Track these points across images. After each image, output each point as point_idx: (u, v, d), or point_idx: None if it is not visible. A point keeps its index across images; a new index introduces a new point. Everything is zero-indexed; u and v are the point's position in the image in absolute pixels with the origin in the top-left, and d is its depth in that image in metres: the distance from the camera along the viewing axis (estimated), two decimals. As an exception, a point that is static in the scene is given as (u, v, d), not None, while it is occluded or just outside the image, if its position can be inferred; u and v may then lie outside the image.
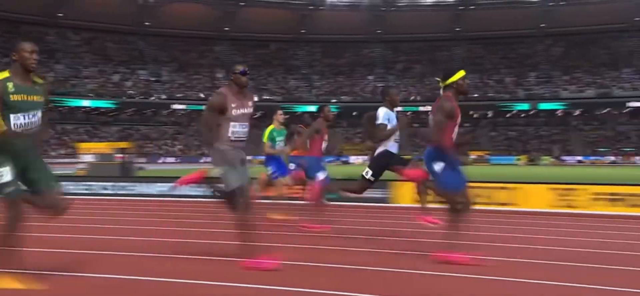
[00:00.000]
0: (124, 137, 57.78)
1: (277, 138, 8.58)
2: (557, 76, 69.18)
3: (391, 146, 6.26)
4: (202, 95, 66.96)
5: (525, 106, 66.12)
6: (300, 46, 77.14)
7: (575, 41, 72.00)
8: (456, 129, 5.04)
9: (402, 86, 71.74)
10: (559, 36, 72.78)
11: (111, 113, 63.29)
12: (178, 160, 55.04)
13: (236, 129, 4.86)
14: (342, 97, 69.07)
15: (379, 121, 6.21)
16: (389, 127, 6.22)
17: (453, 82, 5.04)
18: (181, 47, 71.77)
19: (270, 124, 8.66)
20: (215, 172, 4.86)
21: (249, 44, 75.18)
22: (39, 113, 4.16)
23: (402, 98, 69.78)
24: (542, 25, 72.29)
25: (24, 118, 4.06)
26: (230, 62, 73.20)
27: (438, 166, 4.96)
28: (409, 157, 6.63)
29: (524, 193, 10.32)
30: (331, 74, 73.36)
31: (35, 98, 4.13)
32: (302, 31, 75.36)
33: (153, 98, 65.08)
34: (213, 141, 4.84)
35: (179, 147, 61.83)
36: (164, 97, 65.56)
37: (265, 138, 8.54)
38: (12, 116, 4.02)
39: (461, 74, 5.06)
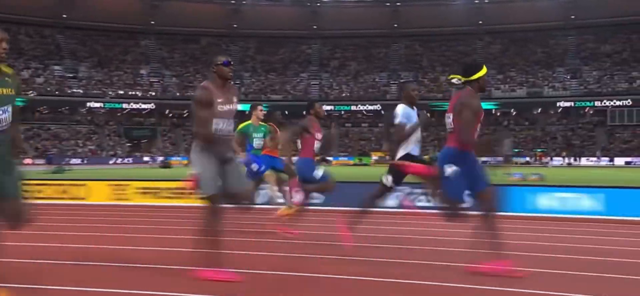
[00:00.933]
0: (30, 136, 55.09)
1: (254, 135, 8.03)
2: (492, 75, 68.31)
3: (413, 149, 5.88)
4: (121, 92, 64.47)
5: (457, 106, 65.08)
6: (234, 41, 75.07)
7: (513, 39, 71.37)
8: (478, 129, 4.77)
9: (335, 84, 70.35)
10: (497, 34, 72.07)
11: (20, 111, 60.37)
12: (85, 162, 52.53)
13: (220, 126, 4.60)
14: (272, 96, 67.20)
15: (398, 119, 5.78)
16: (408, 126, 5.77)
17: (479, 78, 4.83)
18: (103, 42, 69.07)
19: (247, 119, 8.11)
20: (193, 171, 4.60)
21: (178, 38, 72.92)
22: (10, 109, 3.74)
23: (335, 97, 68.63)
24: (480, 22, 71.42)
25: None
26: (156, 57, 70.78)
27: (450, 168, 4.74)
28: (427, 157, 6.32)
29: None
30: (263, 71, 71.49)
31: (5, 91, 3.74)
32: (234, 26, 73.27)
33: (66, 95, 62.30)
34: (210, 138, 4.53)
35: (90, 147, 59.21)
36: (79, 93, 62.80)
37: (238, 130, 7.97)
38: None
39: (485, 70, 4.88)
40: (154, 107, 64.45)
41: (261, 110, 8.12)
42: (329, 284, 4.55)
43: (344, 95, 68.29)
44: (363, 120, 68.56)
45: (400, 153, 5.87)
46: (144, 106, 63.90)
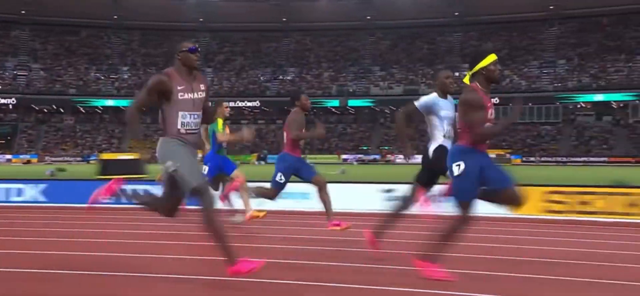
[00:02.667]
0: None
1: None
2: (375, 71, 69.04)
3: (446, 142, 5.41)
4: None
5: (335, 102, 65.53)
6: (117, 33, 73.66)
7: (402, 35, 72.17)
8: (489, 123, 4.48)
9: (217, 80, 69.79)
10: (388, 29, 72.74)
11: None
12: None
13: (187, 119, 4.27)
14: (146, 91, 66.12)
15: (417, 103, 5.41)
16: (440, 114, 5.40)
17: (482, 68, 4.51)
18: (-32, 32, 66.74)
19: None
20: (165, 167, 4.27)
21: (57, 29, 70.99)
22: None
23: (214, 93, 67.99)
24: (368, 17, 71.97)
25: None
26: (26, 49, 68.74)
27: (458, 167, 4.47)
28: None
29: None
30: (143, 65, 70.32)
31: None
32: (115, 17, 71.79)
33: None
34: (137, 133, 4.36)
35: None
36: None
37: (219, 130, 7.70)
38: None
39: (492, 58, 4.52)
40: (15, 101, 62.59)
41: (227, 107, 7.93)
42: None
43: (224, 90, 67.86)
44: (244, 116, 68.33)
45: (432, 146, 5.43)
46: (3, 101, 61.99)
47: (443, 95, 5.51)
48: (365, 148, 56.51)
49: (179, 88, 4.23)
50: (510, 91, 61.42)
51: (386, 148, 56.48)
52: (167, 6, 71.47)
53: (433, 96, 5.47)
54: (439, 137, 5.41)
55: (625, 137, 55.70)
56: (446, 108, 5.44)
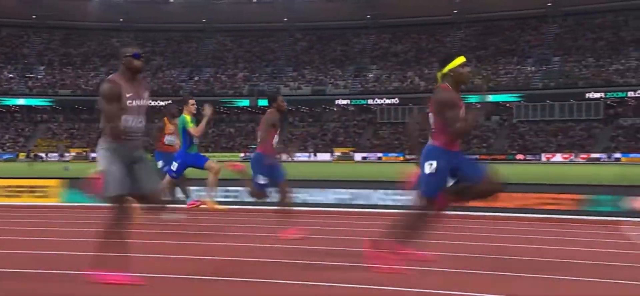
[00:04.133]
0: None
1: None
2: (287, 72, 72.09)
3: None
4: None
5: (246, 102, 68.39)
6: (38, 33, 75.50)
7: (319, 36, 75.26)
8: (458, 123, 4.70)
9: (58, 75, 71.28)
10: (306, 30, 75.72)
11: None
12: None
13: (130, 123, 4.45)
14: (60, 91, 68.29)
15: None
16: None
17: (451, 70, 4.73)
18: None
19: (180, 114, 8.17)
20: (98, 169, 4.47)
21: (-26, 29, 72.60)
22: None
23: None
24: (285, 19, 74.91)
25: None
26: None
27: (430, 165, 4.68)
28: None
29: None
30: (60, 64, 72.33)
31: None
32: (34, 17, 73.56)
33: None
34: (120, 134, 4.41)
35: None
36: None
37: (190, 126, 7.90)
38: None
39: (460, 60, 4.75)
40: None
41: (193, 104, 8.14)
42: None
43: (138, 90, 70.11)
44: (154, 116, 70.80)
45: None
46: None
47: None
48: (253, 146, 59.59)
49: (127, 95, 4.40)
50: (410, 92, 65.32)
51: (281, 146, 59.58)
52: (88, 6, 73.51)
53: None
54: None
55: (505, 136, 59.85)
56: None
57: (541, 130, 58.87)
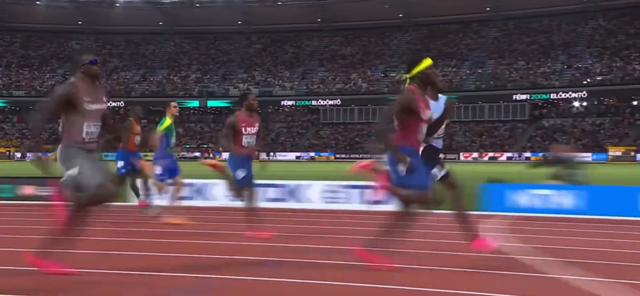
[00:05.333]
0: None
1: (173, 133, 8.20)
2: (238, 74, 74.80)
3: (436, 142, 5.70)
4: None
5: (195, 103, 71.11)
6: (1, 36, 78.28)
7: (274, 39, 77.97)
8: (421, 126, 4.79)
9: (14, 76, 74.01)
10: (261, 33, 78.44)
11: None
12: None
13: (90, 129, 4.58)
14: (14, 92, 71.00)
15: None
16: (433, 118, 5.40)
17: (419, 72, 4.77)
18: None
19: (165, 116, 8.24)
20: (66, 174, 4.53)
21: None
22: None
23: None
24: (239, 22, 77.66)
25: None
26: None
27: (402, 166, 4.65)
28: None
29: None
30: (18, 66, 75.06)
31: None
32: (-2, 21, 76.43)
33: None
34: (39, 139, 4.62)
35: None
36: None
37: (160, 130, 8.03)
38: None
39: (427, 62, 4.79)
40: None
41: (175, 107, 8.30)
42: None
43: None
44: (115, 117, 73.51)
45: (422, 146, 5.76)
46: None
47: (436, 96, 5.69)
48: (187, 146, 62.34)
49: (86, 99, 4.47)
50: (352, 93, 68.13)
51: (205, 146, 62.33)
52: (50, 8, 76.21)
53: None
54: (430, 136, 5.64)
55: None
56: (434, 110, 5.39)
57: (470, 130, 61.79)
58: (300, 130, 68.83)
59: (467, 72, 66.07)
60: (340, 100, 67.83)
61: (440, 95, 5.58)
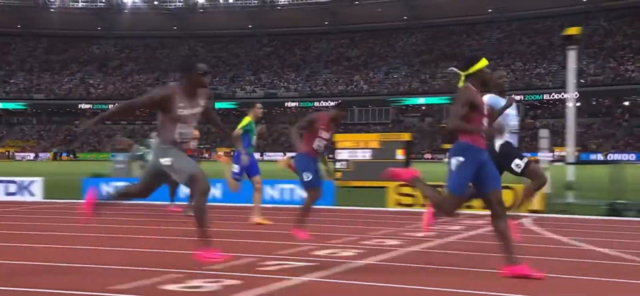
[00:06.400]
0: None
1: (253, 132, 8.34)
2: (247, 76, 77.67)
3: (510, 137, 5.92)
4: None
5: (203, 104, 74.23)
6: (26, 41, 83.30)
7: (284, 42, 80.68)
8: (484, 120, 4.79)
9: (103, 84, 78.50)
10: (272, 36, 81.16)
11: None
12: None
13: (184, 130, 4.80)
14: (34, 95, 75.68)
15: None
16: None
17: (477, 71, 4.79)
18: None
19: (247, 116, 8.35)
20: (162, 164, 4.74)
21: None
22: None
23: (98, 95, 76.18)
24: (250, 26, 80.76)
25: None
26: None
27: (455, 161, 4.68)
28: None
29: None
30: (39, 70, 79.94)
31: None
32: (18, 26, 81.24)
33: None
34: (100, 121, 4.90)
35: None
36: None
37: (239, 128, 8.15)
38: None
39: (485, 62, 4.84)
40: None
41: (260, 108, 8.48)
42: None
43: (107, 93, 76.93)
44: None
45: (498, 141, 5.89)
46: None
47: (500, 94, 5.91)
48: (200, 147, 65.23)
49: (180, 105, 4.69)
50: (354, 95, 70.04)
51: (201, 147, 65.03)
52: (71, 15, 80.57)
53: (492, 96, 5.85)
54: (506, 134, 5.79)
55: (428, 136, 63.99)
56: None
57: (464, 131, 62.73)
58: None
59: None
60: (341, 101, 69.62)
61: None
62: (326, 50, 78.89)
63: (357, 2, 75.60)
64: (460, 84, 4.77)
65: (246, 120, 8.14)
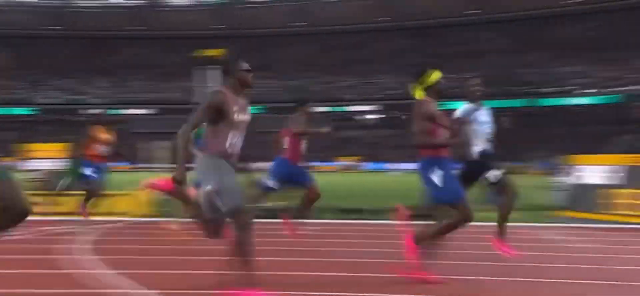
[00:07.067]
0: None
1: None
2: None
3: (486, 144, 5.88)
4: None
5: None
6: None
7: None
8: (443, 132, 4.97)
9: None
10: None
11: None
12: None
13: (235, 140, 4.38)
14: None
15: (458, 113, 5.74)
16: (479, 120, 5.83)
17: (434, 82, 5.00)
18: None
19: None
20: (205, 187, 4.33)
21: None
22: None
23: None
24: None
25: None
26: None
27: (437, 175, 4.78)
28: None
29: None
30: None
31: None
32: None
33: None
34: (183, 151, 4.26)
35: None
36: None
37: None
38: None
39: (439, 74, 5.00)
40: None
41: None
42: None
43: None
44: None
45: (477, 149, 5.79)
46: None
47: (474, 102, 5.89)
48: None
49: (235, 109, 4.33)
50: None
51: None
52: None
53: (466, 105, 5.84)
54: (481, 142, 5.82)
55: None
56: (480, 114, 5.76)
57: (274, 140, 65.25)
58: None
59: (278, 83, 68.94)
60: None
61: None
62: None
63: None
64: (417, 96, 4.98)
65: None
